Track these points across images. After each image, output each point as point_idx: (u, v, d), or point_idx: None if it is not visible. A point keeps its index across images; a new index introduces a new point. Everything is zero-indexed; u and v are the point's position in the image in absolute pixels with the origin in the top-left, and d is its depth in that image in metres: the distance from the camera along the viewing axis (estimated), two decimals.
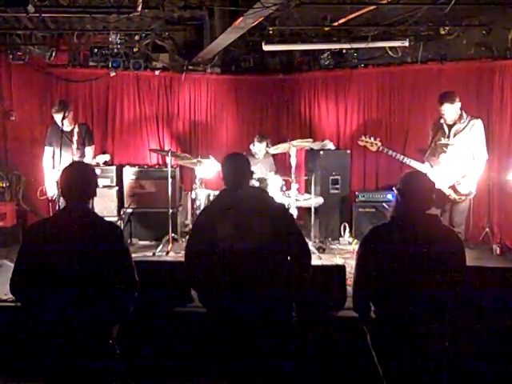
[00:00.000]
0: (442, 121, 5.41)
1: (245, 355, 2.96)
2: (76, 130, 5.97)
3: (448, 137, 5.36)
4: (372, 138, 5.62)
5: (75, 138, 5.94)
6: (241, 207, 3.01)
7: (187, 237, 3.23)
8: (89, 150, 6.11)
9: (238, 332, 2.95)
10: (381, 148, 5.56)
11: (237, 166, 3.20)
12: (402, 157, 5.48)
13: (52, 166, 5.99)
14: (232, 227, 2.94)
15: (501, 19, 6.31)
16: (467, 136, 5.31)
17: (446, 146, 5.36)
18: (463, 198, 5.33)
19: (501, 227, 6.79)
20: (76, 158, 5.83)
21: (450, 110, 5.27)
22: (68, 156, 5.82)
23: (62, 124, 5.78)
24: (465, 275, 2.94)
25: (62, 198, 5.41)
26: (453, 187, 5.31)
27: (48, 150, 6.07)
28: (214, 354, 3.11)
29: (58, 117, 5.83)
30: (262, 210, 3.04)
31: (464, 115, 5.33)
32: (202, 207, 6.53)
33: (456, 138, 5.32)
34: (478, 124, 5.34)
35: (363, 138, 5.69)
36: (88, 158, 6.06)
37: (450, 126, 5.35)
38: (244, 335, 2.94)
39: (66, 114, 5.77)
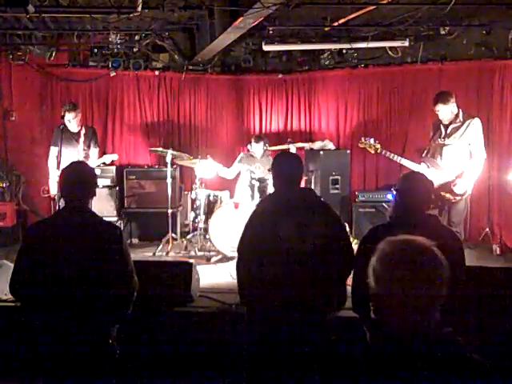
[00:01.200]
0: (439, 122, 5.41)
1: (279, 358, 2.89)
2: (83, 131, 6.11)
3: (444, 137, 5.35)
4: (372, 141, 5.61)
5: (82, 139, 6.08)
6: (298, 207, 2.96)
7: (240, 235, 3.11)
8: (94, 152, 6.22)
9: (281, 331, 2.88)
10: (379, 150, 5.56)
11: (291, 165, 3.13)
12: (400, 158, 5.47)
13: (57, 166, 5.99)
14: (294, 228, 2.87)
15: (501, 19, 6.32)
16: (463, 136, 5.28)
17: (443, 146, 5.36)
18: (458, 198, 5.31)
19: (501, 227, 6.78)
20: (81, 159, 5.87)
21: (444, 111, 5.26)
22: (73, 157, 5.88)
23: (70, 123, 5.95)
24: (464, 275, 2.94)
25: (62, 199, 5.45)
26: (448, 188, 5.30)
27: (53, 150, 6.11)
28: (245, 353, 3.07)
29: (69, 116, 5.97)
30: (317, 210, 3.01)
31: (460, 115, 5.29)
32: (202, 207, 6.55)
33: (451, 138, 5.31)
34: (475, 123, 5.30)
35: (362, 140, 5.67)
36: (93, 160, 6.15)
37: (446, 126, 5.34)
38: (284, 335, 2.87)
39: (74, 115, 5.97)
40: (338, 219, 3.09)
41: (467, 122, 5.29)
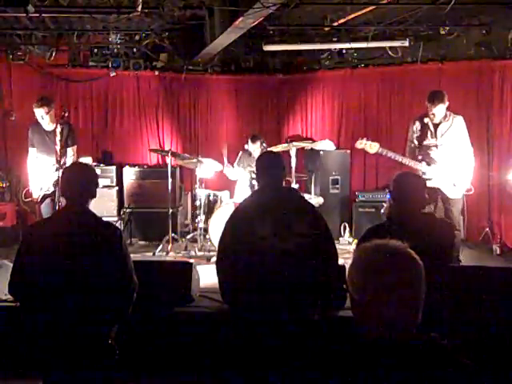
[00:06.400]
0: (426, 120, 5.34)
1: (266, 355, 2.90)
2: (58, 129, 5.41)
3: (435, 137, 5.32)
4: (370, 141, 5.53)
5: (58, 138, 5.40)
6: (280, 207, 2.97)
7: (220, 235, 3.14)
8: (70, 151, 5.67)
9: (265, 330, 2.89)
10: (379, 150, 5.49)
11: (273, 165, 3.15)
12: (401, 158, 5.42)
13: (36, 168, 5.68)
14: (273, 227, 2.89)
15: (501, 19, 6.31)
16: (452, 134, 5.30)
17: (435, 146, 5.32)
18: (462, 194, 5.35)
19: (501, 227, 6.78)
20: (57, 159, 5.35)
21: (442, 110, 5.25)
22: (51, 157, 5.48)
23: (43, 120, 5.47)
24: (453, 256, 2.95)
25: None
26: (450, 186, 5.29)
27: (32, 151, 5.72)
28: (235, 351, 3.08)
29: (39, 112, 5.46)
30: (299, 210, 3.03)
31: (447, 113, 5.31)
32: (202, 207, 6.55)
33: (443, 138, 5.30)
34: (459, 120, 5.34)
35: (361, 140, 5.58)
36: (69, 159, 5.58)
37: (436, 126, 5.32)
38: (270, 333, 2.89)
39: (46, 110, 5.43)
40: (319, 219, 3.10)
41: (454, 121, 5.31)
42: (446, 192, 5.31)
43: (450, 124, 5.30)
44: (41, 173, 5.58)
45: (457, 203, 5.39)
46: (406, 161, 5.39)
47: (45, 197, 5.56)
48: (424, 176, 5.21)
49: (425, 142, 5.39)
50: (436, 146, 5.32)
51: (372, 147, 5.44)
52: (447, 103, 5.24)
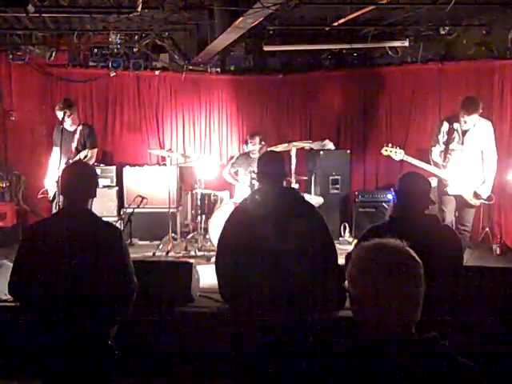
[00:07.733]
0: (456, 125, 5.23)
1: (263, 353, 2.91)
2: (79, 129, 5.74)
3: (462, 143, 5.23)
4: (397, 148, 5.41)
5: (77, 136, 5.72)
6: (280, 206, 2.98)
7: (219, 233, 3.15)
8: (86, 153, 5.77)
9: (264, 329, 2.90)
10: (404, 157, 5.40)
11: (274, 164, 3.16)
12: (425, 165, 5.26)
13: (57, 167, 5.69)
14: (272, 227, 2.89)
15: (501, 19, 6.32)
16: (479, 140, 5.22)
17: (459, 151, 5.24)
18: (482, 201, 5.31)
19: (501, 227, 6.79)
20: (74, 158, 5.61)
21: (475, 119, 5.14)
22: (67, 157, 5.66)
23: (63, 122, 5.63)
24: (461, 274, 2.94)
25: (61, 198, 5.39)
26: (474, 194, 5.26)
27: (55, 150, 5.84)
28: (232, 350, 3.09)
29: (59, 114, 5.66)
30: (299, 210, 3.03)
31: (477, 120, 5.19)
32: (202, 207, 6.55)
33: (469, 144, 5.21)
34: (488, 126, 5.26)
35: (386, 147, 5.47)
36: (88, 161, 5.72)
37: (464, 132, 5.22)
38: (269, 333, 2.89)
39: (68, 113, 5.61)
40: (319, 219, 3.10)
41: (483, 127, 5.22)
42: (468, 198, 5.26)
43: (479, 130, 5.20)
44: (59, 171, 5.61)
45: (473, 209, 5.36)
46: (431, 168, 5.29)
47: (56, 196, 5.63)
48: (446, 183, 5.21)
49: (450, 146, 5.29)
50: (460, 151, 5.23)
51: (397, 154, 5.33)
52: (481, 111, 5.14)
